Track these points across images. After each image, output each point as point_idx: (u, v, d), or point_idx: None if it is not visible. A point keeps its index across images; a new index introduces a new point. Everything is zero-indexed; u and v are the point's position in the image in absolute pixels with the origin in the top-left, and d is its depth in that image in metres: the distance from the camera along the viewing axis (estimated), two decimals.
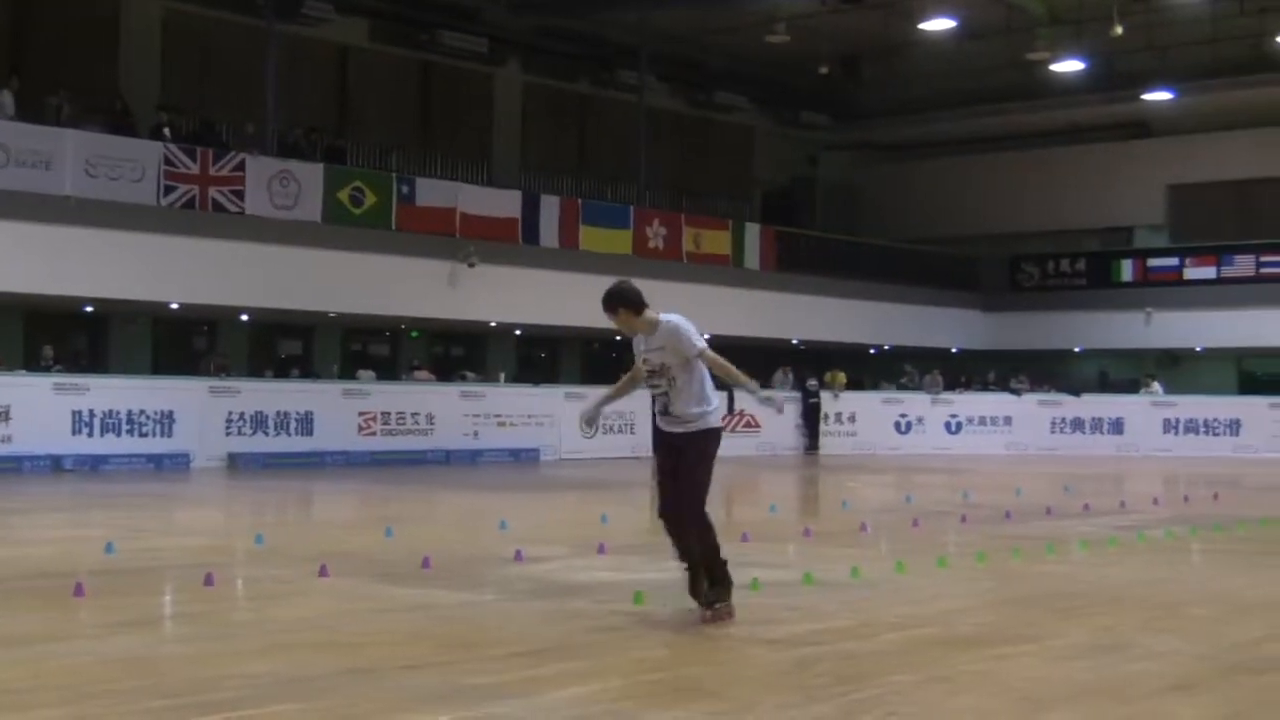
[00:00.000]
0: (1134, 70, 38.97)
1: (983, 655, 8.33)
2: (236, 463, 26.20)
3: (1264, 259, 40.14)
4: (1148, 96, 40.04)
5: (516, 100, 38.52)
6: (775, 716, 6.70)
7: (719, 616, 9.25)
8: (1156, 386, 39.55)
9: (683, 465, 9.43)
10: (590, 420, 10.10)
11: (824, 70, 37.96)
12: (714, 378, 9.51)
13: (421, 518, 18.96)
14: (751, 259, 37.47)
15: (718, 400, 9.52)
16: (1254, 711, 6.97)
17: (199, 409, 26.35)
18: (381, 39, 35.42)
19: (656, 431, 9.63)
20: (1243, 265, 40.41)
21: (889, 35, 37.82)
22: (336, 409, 28.08)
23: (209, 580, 10.71)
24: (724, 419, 9.78)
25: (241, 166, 27.80)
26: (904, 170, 46.88)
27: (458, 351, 37.48)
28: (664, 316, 9.54)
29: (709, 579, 9.43)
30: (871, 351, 42.69)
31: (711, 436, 9.48)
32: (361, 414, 28.34)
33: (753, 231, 38.15)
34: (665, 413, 9.50)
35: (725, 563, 9.49)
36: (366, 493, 22.30)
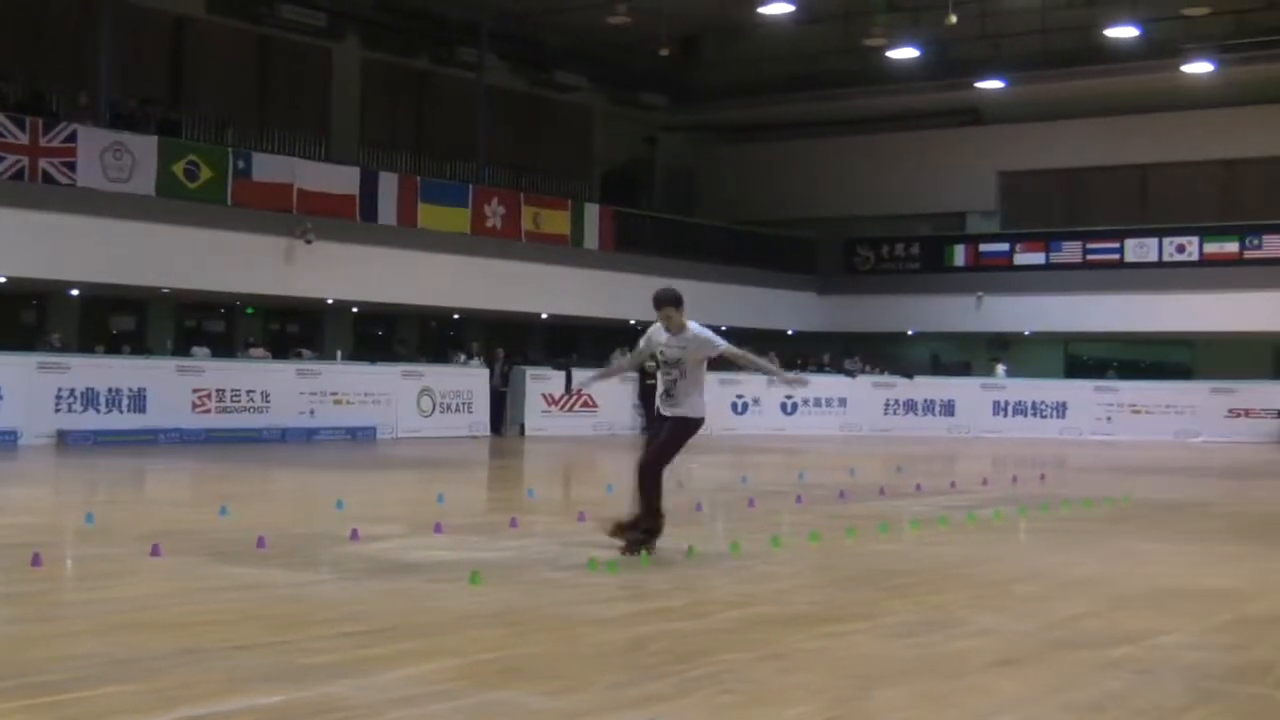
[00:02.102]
0: (967, 58, 39.62)
1: (816, 633, 8.45)
2: (66, 440, 25.70)
3: (1091, 246, 41.06)
4: (980, 85, 40.72)
5: (355, 76, 38.14)
6: (610, 695, 6.75)
7: (627, 547, 11.39)
8: (1001, 369, 40.36)
9: (664, 434, 11.69)
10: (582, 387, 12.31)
11: (664, 51, 38.04)
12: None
13: (256, 496, 18.76)
14: (590, 239, 37.51)
15: (702, 397, 11.71)
16: (1074, 685, 7.15)
17: (27, 385, 25.76)
18: (218, 10, 34.88)
19: (658, 411, 11.88)
20: (1070, 252, 41.29)
21: (729, 18, 38.07)
22: (170, 386, 27.65)
23: (36, 560, 10.49)
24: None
25: (73, 138, 27.25)
26: (742, 152, 47.18)
27: (294, 329, 37.12)
28: (692, 324, 11.83)
29: (631, 524, 11.55)
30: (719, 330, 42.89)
31: (693, 423, 11.73)
32: (196, 391, 27.94)
33: (591, 211, 38.17)
34: (669, 395, 11.75)
35: (655, 520, 11.54)
36: (200, 471, 22.00)
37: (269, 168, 30.83)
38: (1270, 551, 13.16)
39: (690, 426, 11.74)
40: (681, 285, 37.57)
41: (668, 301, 11.84)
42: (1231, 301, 38.39)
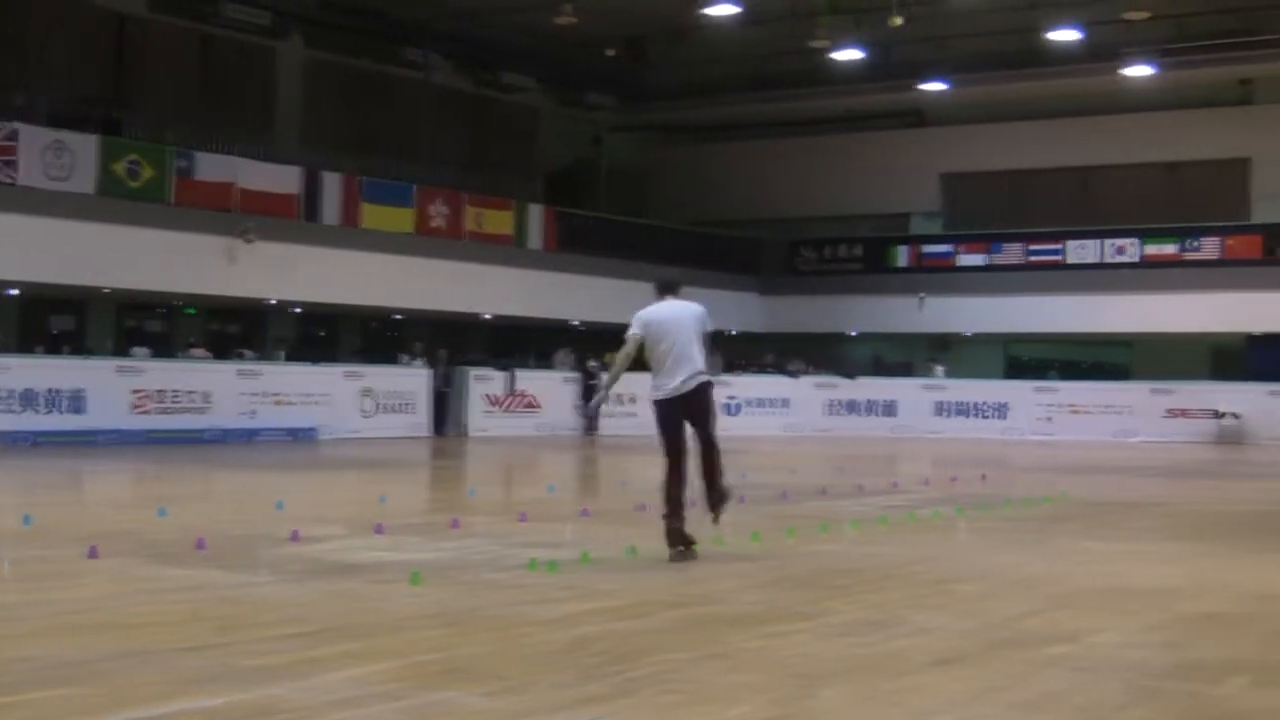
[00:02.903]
0: (911, 60, 39.77)
1: (758, 633, 8.47)
2: (4, 441, 25.44)
3: (1032, 247, 41.31)
4: (924, 86, 40.90)
5: (299, 75, 37.92)
6: (551, 696, 6.75)
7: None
8: (939, 370, 40.56)
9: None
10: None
11: (610, 52, 38.07)
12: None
13: (196, 497, 18.66)
14: (534, 239, 37.48)
15: (663, 379, 11.70)
16: (1014, 683, 7.20)
17: None
18: (161, 9, 34.56)
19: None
20: (1012, 253, 41.53)
21: (675, 19, 38.07)
22: (109, 386, 27.43)
23: None
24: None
25: (13, 136, 27.04)
26: (687, 153, 47.24)
27: (235, 329, 36.90)
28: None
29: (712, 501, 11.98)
30: None
31: (655, 405, 11.82)
32: (135, 392, 27.74)
33: (535, 212, 38.12)
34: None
35: (668, 508, 11.60)
36: (140, 472, 21.87)
37: (211, 167, 30.67)
38: (1207, 550, 13.28)
39: (654, 407, 11.94)
40: (625, 286, 37.92)
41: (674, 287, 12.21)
42: (1171, 303, 38.71)
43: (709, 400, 11.83)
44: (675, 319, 11.74)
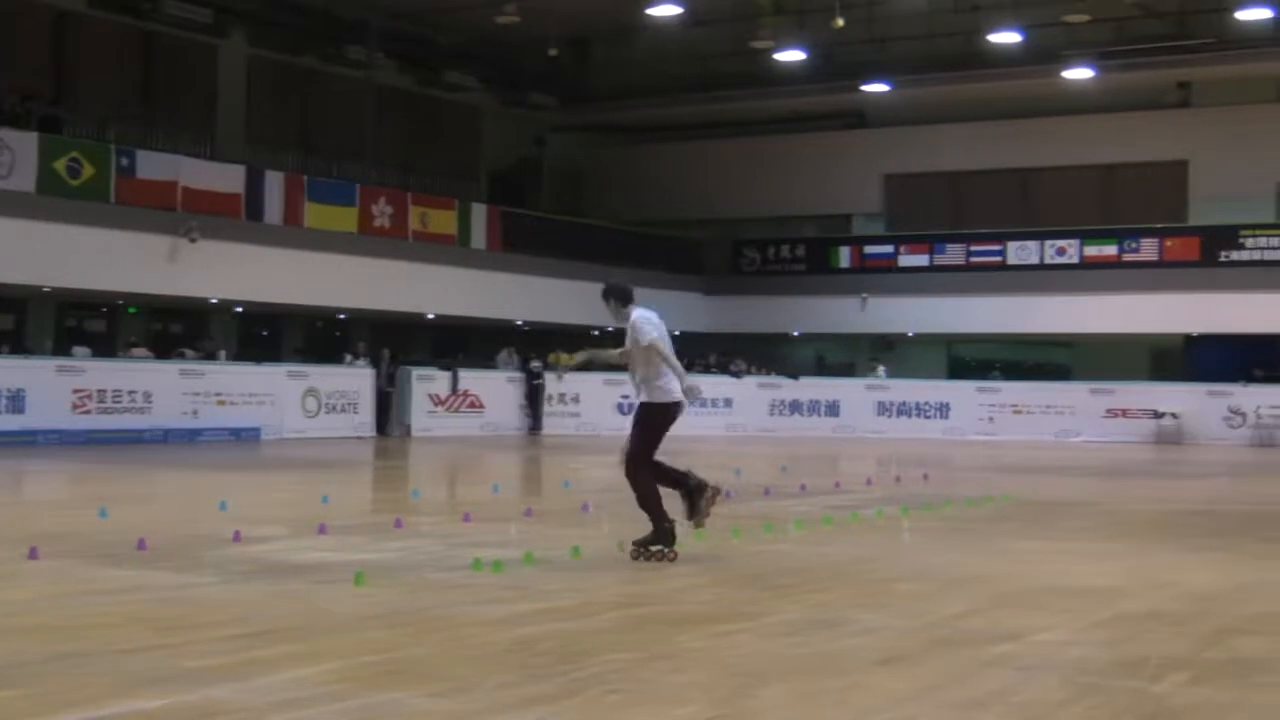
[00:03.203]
0: (853, 62, 39.95)
1: (702, 633, 8.49)
2: None
3: (974, 248, 41.55)
4: (866, 88, 41.07)
5: (241, 73, 37.70)
6: (495, 696, 6.75)
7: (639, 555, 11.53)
8: (880, 370, 40.72)
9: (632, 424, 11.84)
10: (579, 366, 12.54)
11: (553, 52, 38.03)
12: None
13: (138, 498, 18.54)
14: (478, 239, 37.41)
15: (664, 382, 11.59)
16: (956, 682, 7.25)
17: None
18: (101, 5, 34.33)
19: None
20: (954, 254, 41.75)
21: (618, 19, 38.12)
22: (50, 386, 27.21)
23: None
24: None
25: None
26: (631, 154, 47.29)
27: (177, 328, 36.69)
28: (635, 311, 11.81)
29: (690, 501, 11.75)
30: (595, 333, 42.98)
31: (650, 409, 11.64)
32: (76, 391, 27.54)
33: (479, 211, 38.07)
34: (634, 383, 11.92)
35: (657, 515, 11.53)
36: (81, 472, 21.71)
37: (153, 165, 30.46)
38: (1146, 549, 13.39)
39: (646, 412, 11.69)
40: (568, 286, 37.80)
41: (604, 294, 12.03)
42: (1110, 304, 39.04)
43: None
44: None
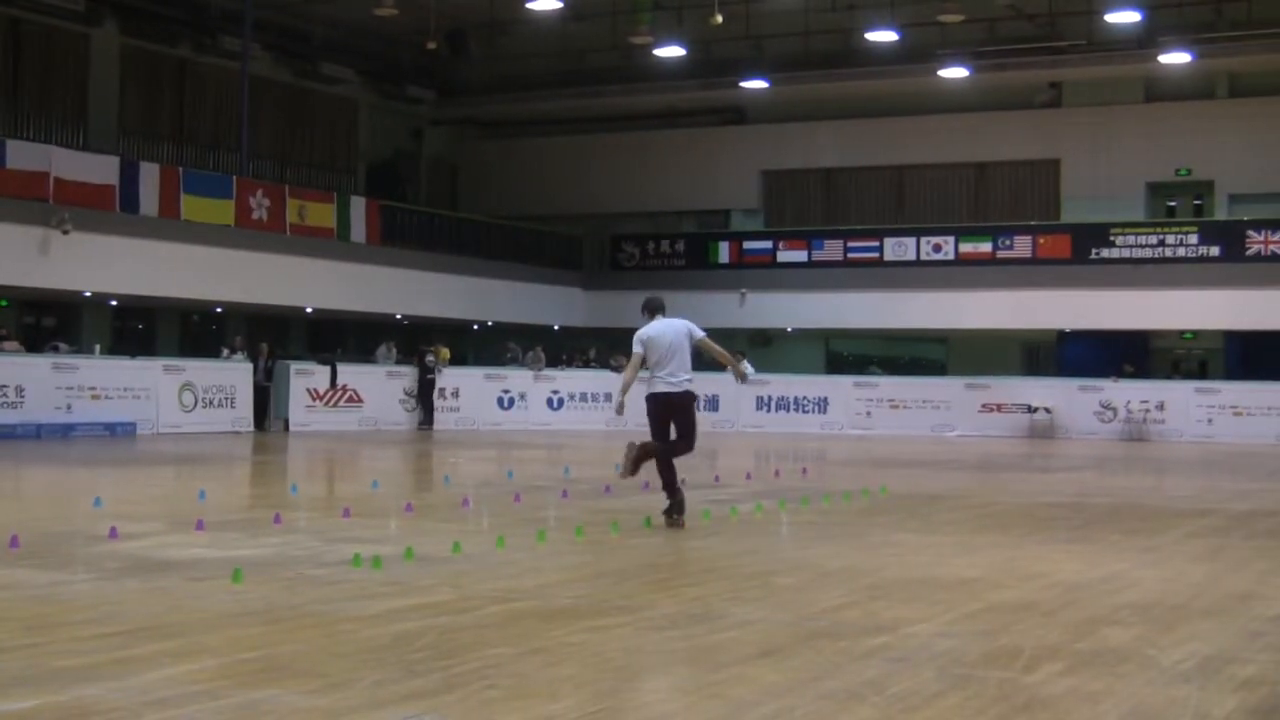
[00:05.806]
0: (731, 58, 40.17)
1: (580, 627, 8.52)
2: None
3: (851, 244, 41.83)
4: (744, 84, 41.31)
5: (114, 62, 37.13)
6: (374, 692, 6.74)
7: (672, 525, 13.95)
8: (746, 366, 40.83)
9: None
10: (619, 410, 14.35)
11: (431, 45, 37.87)
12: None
13: (9, 494, 18.26)
14: (356, 232, 37.15)
15: (655, 381, 14.22)
16: (833, 674, 7.33)
17: None
18: None
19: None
20: (831, 250, 42.02)
21: (496, 12, 38.04)
22: None
23: None
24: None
25: None
26: (509, 147, 47.17)
27: (49, 321, 36.09)
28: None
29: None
30: (474, 327, 42.90)
31: (646, 400, 14.43)
32: None
33: (357, 205, 37.81)
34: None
35: (671, 487, 14.23)
36: None
37: (24, 155, 29.93)
38: (1018, 541, 13.59)
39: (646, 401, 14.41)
40: (447, 280, 37.70)
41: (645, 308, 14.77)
42: (985, 300, 39.52)
43: (693, 412, 14.53)
44: (664, 334, 14.19)
